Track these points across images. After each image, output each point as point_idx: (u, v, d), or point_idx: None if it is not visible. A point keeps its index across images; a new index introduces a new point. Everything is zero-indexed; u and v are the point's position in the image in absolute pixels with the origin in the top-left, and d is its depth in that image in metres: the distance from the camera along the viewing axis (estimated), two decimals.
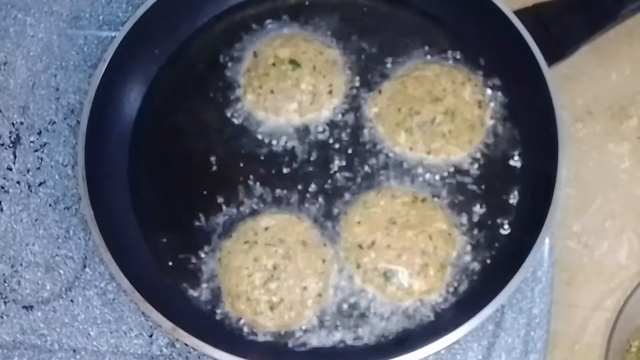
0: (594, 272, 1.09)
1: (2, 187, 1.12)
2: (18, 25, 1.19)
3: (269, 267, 1.01)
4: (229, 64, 1.14)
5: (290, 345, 1.01)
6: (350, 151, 1.09)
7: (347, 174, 1.08)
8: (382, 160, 1.08)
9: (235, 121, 1.10)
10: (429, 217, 1.04)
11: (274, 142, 1.10)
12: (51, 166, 1.12)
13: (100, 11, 1.19)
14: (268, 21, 1.16)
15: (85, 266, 1.08)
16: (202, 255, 1.05)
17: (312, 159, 1.09)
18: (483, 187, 1.07)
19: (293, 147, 1.09)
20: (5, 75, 1.17)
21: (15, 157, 1.13)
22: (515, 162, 1.08)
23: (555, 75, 1.05)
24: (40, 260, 1.08)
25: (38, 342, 1.05)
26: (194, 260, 1.05)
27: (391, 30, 1.14)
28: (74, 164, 1.11)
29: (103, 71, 1.07)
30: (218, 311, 1.03)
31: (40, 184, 1.12)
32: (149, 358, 1.04)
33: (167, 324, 0.97)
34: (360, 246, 1.03)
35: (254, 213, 1.06)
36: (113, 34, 1.16)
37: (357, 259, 1.02)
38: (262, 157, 1.09)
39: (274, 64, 1.10)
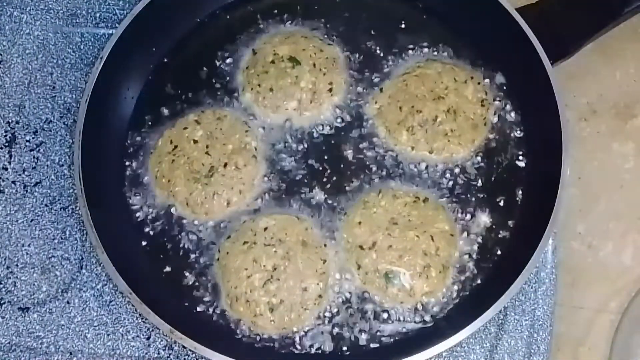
0: (598, 274, 1.08)
1: None
2: (14, 22, 1.18)
3: (269, 268, 1.01)
4: (228, 62, 1.13)
5: (290, 347, 1.00)
6: (350, 150, 1.08)
7: (347, 174, 1.07)
8: (383, 159, 1.07)
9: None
10: (430, 217, 1.03)
11: (274, 141, 1.09)
12: (47, 166, 1.12)
13: (97, 8, 1.19)
14: (267, 18, 1.15)
15: (81, 267, 1.07)
16: (201, 256, 1.04)
17: (311, 158, 1.08)
18: (486, 187, 1.06)
19: (293, 146, 1.09)
20: (0, 73, 1.16)
21: (10, 156, 1.12)
22: (519, 161, 1.07)
23: (559, 74, 1.05)
24: (36, 261, 1.08)
25: (34, 345, 1.05)
26: (192, 261, 1.04)
27: (392, 28, 1.14)
28: (70, 164, 1.11)
29: (100, 69, 1.06)
30: (217, 313, 1.02)
31: (36, 184, 1.11)
32: None
33: (164, 326, 0.96)
34: (361, 247, 1.02)
35: (253, 213, 1.05)
36: (110, 32, 1.15)
37: (357, 259, 1.02)
38: (261, 156, 1.08)
39: (273, 62, 1.10)
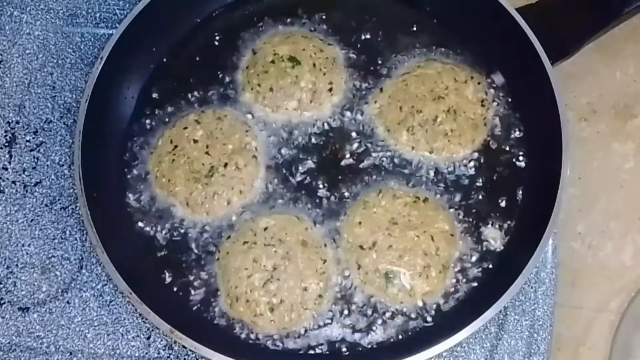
0: (598, 274, 1.08)
1: None
2: (14, 22, 1.18)
3: (269, 267, 1.00)
4: (227, 62, 1.13)
5: (290, 347, 1.00)
6: (350, 150, 1.08)
7: (347, 174, 1.07)
8: (383, 159, 1.07)
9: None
10: (431, 217, 1.03)
11: (274, 140, 1.09)
12: (47, 166, 1.12)
13: (97, 8, 1.19)
14: (267, 18, 1.15)
15: (81, 267, 1.07)
16: (201, 256, 1.04)
17: (311, 157, 1.08)
18: (486, 187, 1.06)
19: (293, 146, 1.08)
20: (0, 73, 1.16)
21: (10, 156, 1.12)
22: (519, 161, 1.07)
23: (559, 74, 1.04)
24: (36, 261, 1.08)
25: (34, 345, 1.04)
26: (192, 260, 1.04)
27: (393, 28, 1.13)
28: (71, 164, 1.11)
29: (100, 69, 1.06)
30: (217, 313, 1.01)
31: (36, 184, 1.11)
32: None
33: (164, 326, 0.96)
34: (361, 247, 1.02)
35: (253, 213, 1.05)
36: (110, 32, 1.15)
37: (357, 259, 1.01)
38: (262, 156, 1.08)
39: (273, 62, 1.10)
